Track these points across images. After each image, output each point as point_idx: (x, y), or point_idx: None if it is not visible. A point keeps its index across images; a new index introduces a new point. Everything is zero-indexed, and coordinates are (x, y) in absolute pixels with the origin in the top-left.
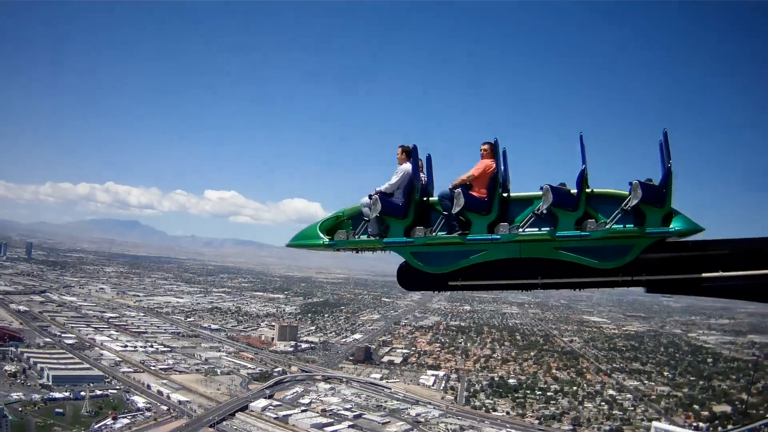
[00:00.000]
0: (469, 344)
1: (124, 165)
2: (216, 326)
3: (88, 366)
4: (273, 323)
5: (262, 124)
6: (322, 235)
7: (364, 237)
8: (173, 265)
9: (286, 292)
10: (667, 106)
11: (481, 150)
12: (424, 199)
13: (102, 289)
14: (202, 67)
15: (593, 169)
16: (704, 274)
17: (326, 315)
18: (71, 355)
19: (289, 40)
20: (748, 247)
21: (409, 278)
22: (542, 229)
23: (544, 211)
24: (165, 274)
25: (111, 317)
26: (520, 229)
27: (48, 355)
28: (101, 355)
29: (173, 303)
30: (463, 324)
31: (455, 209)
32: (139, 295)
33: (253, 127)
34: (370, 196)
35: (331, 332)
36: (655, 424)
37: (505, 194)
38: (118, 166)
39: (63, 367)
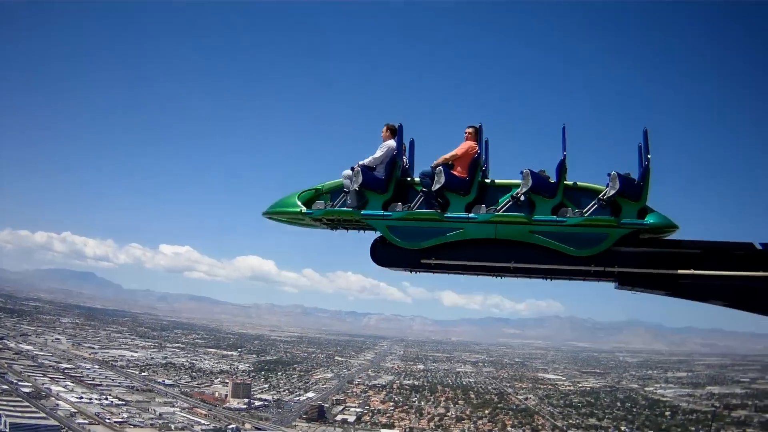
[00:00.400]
0: (423, 403)
1: (82, 215)
2: (170, 381)
3: (44, 416)
4: (226, 380)
5: (215, 181)
6: (300, 203)
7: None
8: (128, 319)
9: (239, 350)
10: (653, 104)
11: (465, 133)
12: (405, 179)
13: (58, 339)
14: (156, 124)
15: (574, 163)
16: (678, 271)
17: (279, 373)
18: (28, 404)
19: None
20: (719, 249)
21: (382, 254)
22: (519, 213)
23: (522, 197)
24: (120, 327)
25: (67, 368)
26: (498, 212)
27: (5, 403)
28: (57, 405)
29: (128, 356)
30: (416, 383)
31: (435, 186)
32: (94, 347)
33: (208, 184)
34: (352, 168)
35: (284, 390)
36: None
37: (484, 180)
38: (76, 217)
39: (20, 415)
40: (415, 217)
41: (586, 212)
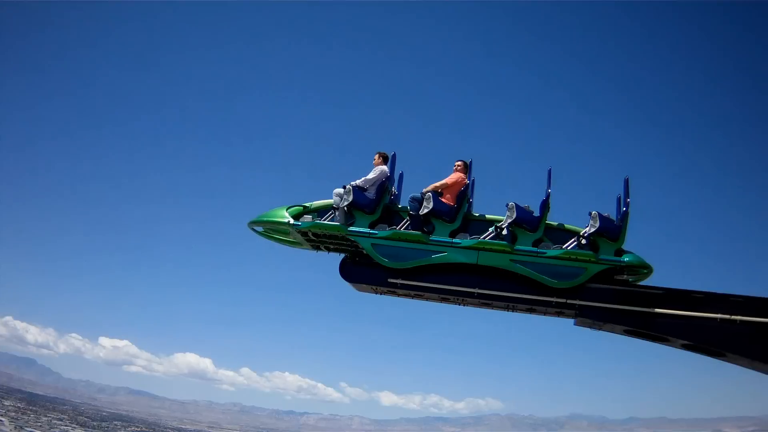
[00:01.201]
0: None
1: (24, 301)
2: None
3: None
4: None
5: (151, 274)
6: (287, 215)
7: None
8: (68, 407)
9: None
10: (635, 152)
11: (455, 165)
12: (392, 205)
13: (1, 421)
14: (95, 213)
15: (556, 202)
16: (638, 308)
17: None
18: None
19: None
20: (680, 292)
21: (350, 271)
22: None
23: (506, 228)
24: (60, 414)
25: None
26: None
27: None
28: None
29: None
30: None
31: (423, 210)
32: None
33: (145, 276)
34: (344, 187)
35: None
36: None
37: (470, 212)
38: (18, 302)
39: None
40: (400, 237)
41: (566, 247)
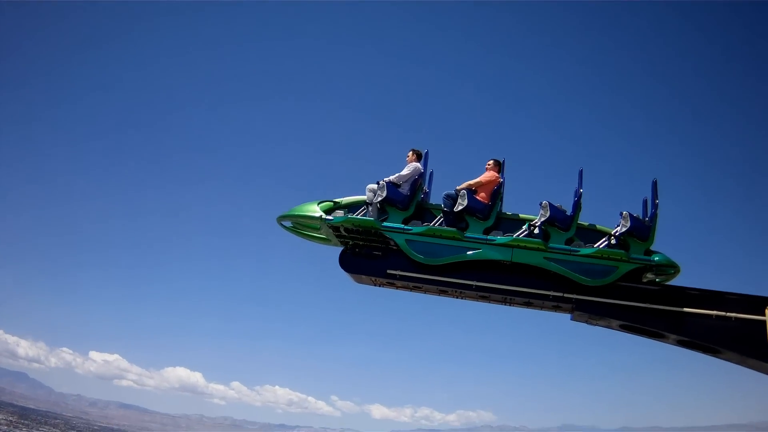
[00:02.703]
0: None
1: (15, 315)
2: None
3: None
4: None
5: (140, 289)
6: (319, 210)
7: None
8: (60, 422)
9: None
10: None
11: (486, 165)
12: (424, 202)
13: None
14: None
15: (587, 201)
16: (635, 303)
17: None
18: None
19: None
20: (677, 289)
21: (350, 261)
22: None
23: (539, 226)
24: (52, 429)
25: None
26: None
27: None
28: None
29: None
30: None
31: (458, 207)
32: None
33: (134, 290)
34: (377, 182)
35: None
36: None
37: (501, 210)
38: (9, 316)
39: None
40: (434, 234)
41: (597, 246)
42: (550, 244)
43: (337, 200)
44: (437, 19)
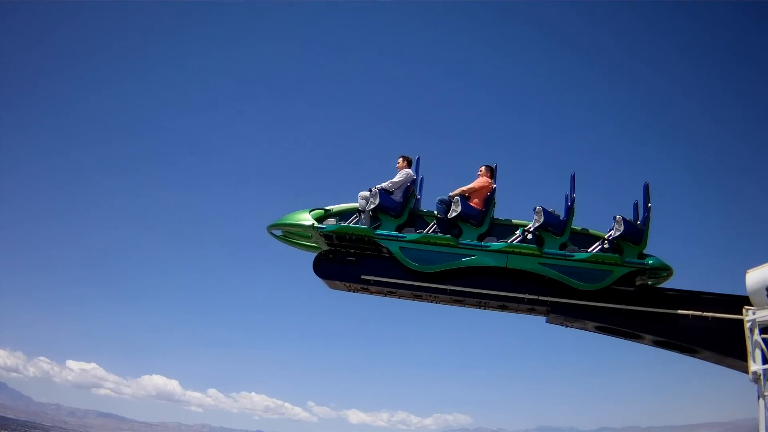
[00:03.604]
0: None
1: None
2: None
3: None
4: None
5: (116, 297)
6: (310, 218)
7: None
8: (39, 431)
9: None
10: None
11: (478, 171)
12: (415, 209)
13: None
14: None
15: (578, 206)
16: (609, 305)
17: None
18: None
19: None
20: (652, 289)
21: (324, 268)
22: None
23: (533, 231)
24: None
25: None
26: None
27: None
28: None
29: None
30: None
31: (452, 214)
32: None
33: (109, 298)
34: (370, 190)
35: None
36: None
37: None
38: None
39: None
40: (429, 241)
41: (591, 250)
42: (545, 250)
43: (327, 208)
44: (430, 20)
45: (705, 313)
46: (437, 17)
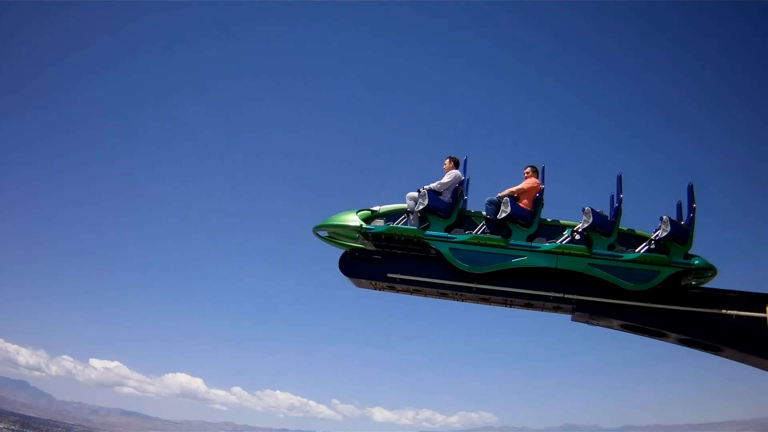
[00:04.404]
0: None
1: (14, 323)
2: None
3: None
4: None
5: (138, 294)
6: (359, 219)
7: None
8: (62, 430)
9: None
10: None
11: (524, 172)
12: (463, 209)
13: None
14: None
15: (626, 208)
16: (635, 303)
17: None
18: None
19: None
20: (678, 287)
21: (350, 266)
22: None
23: (581, 231)
24: None
25: None
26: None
27: None
28: None
29: None
30: None
31: (501, 215)
32: None
33: (132, 296)
34: (418, 191)
35: None
36: None
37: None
38: (9, 324)
39: None
40: (479, 242)
41: (638, 251)
42: (594, 250)
43: (374, 209)
44: (477, 22)
45: (729, 311)
46: (480, 18)
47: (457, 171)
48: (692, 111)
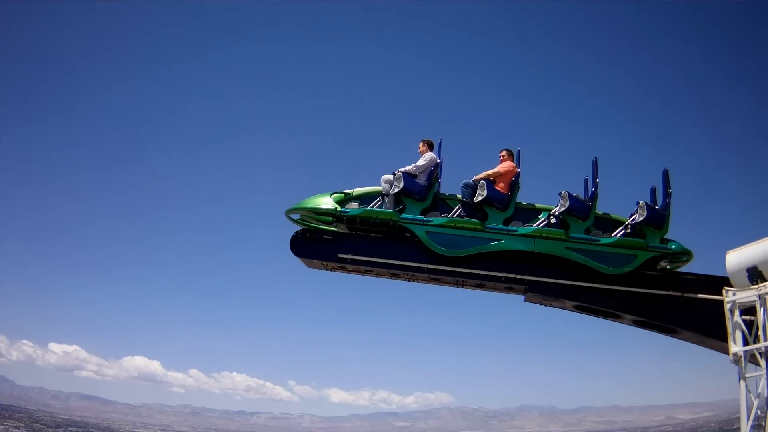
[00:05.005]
0: None
1: None
2: None
3: None
4: None
5: (95, 278)
6: (332, 201)
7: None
8: (23, 415)
9: None
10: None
11: (500, 155)
12: (437, 192)
13: None
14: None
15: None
16: (589, 284)
17: None
18: None
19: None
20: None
21: (301, 247)
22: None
23: (558, 215)
24: (17, 423)
25: None
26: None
27: None
28: None
29: None
30: None
31: (477, 198)
32: None
33: (89, 279)
34: (393, 173)
35: None
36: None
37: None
38: None
39: None
40: (456, 225)
41: (615, 235)
42: (572, 234)
43: (347, 191)
44: (450, 11)
45: (685, 294)
46: (456, 11)
47: (432, 154)
48: (665, 96)
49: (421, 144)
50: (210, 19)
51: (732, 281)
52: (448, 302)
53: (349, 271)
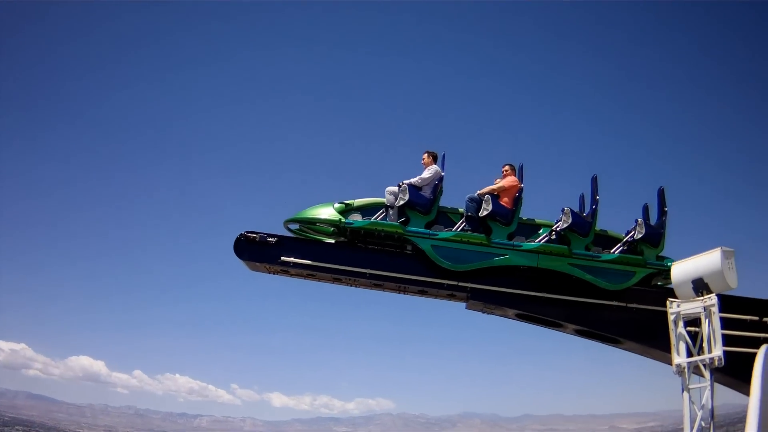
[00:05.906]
0: None
1: None
2: None
3: None
4: None
5: (44, 275)
6: (335, 212)
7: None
8: None
9: None
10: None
11: (502, 170)
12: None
13: None
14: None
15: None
16: (530, 293)
17: None
18: None
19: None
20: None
21: (244, 249)
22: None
23: (559, 231)
24: None
25: None
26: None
27: None
28: None
29: None
30: None
31: (482, 213)
32: None
33: (37, 277)
34: (398, 185)
35: None
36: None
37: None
38: None
39: None
40: (462, 239)
41: (613, 251)
42: (574, 250)
43: (348, 202)
44: (449, 18)
45: (629, 304)
46: (460, 11)
47: (436, 166)
48: (660, 112)
49: (425, 156)
50: (210, 25)
51: (677, 293)
52: (391, 308)
53: (291, 275)
